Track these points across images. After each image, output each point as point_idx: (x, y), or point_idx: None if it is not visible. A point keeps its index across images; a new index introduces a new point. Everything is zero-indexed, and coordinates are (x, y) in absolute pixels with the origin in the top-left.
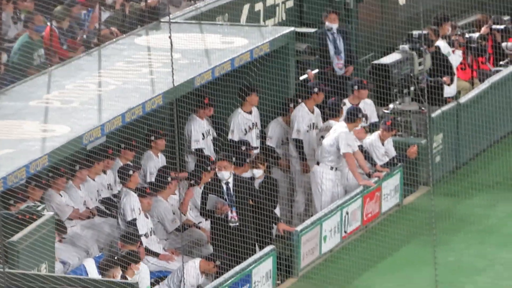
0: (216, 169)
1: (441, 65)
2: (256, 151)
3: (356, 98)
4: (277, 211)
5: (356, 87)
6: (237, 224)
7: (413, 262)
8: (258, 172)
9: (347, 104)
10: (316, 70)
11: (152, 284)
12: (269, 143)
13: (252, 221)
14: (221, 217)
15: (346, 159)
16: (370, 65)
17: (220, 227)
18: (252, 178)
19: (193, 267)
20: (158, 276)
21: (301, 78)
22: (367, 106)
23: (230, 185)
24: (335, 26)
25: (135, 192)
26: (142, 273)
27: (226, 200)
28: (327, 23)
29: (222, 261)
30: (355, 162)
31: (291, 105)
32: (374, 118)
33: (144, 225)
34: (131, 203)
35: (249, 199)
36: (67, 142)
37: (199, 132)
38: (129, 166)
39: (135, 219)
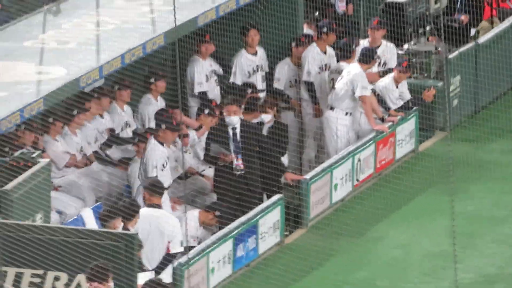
0: (224, 114)
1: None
2: (262, 94)
3: (374, 41)
4: (285, 158)
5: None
6: (243, 172)
7: (429, 212)
8: (267, 117)
9: (364, 44)
10: (316, 13)
11: None
12: (276, 85)
13: (259, 169)
14: (226, 165)
15: (362, 102)
16: (383, 3)
17: (225, 174)
18: (261, 123)
19: (192, 219)
20: None
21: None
22: (388, 49)
23: (237, 131)
24: None
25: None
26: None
27: (232, 146)
28: None
29: (223, 212)
30: (370, 105)
31: (293, 44)
32: (393, 63)
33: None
34: (154, 159)
35: (256, 145)
36: (64, 84)
37: (202, 73)
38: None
39: (156, 177)
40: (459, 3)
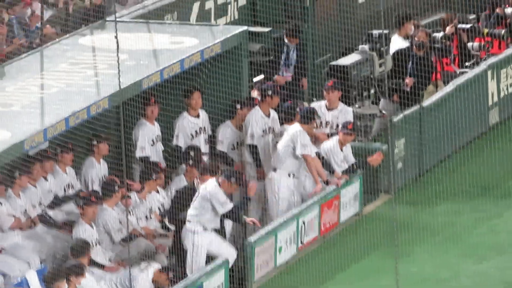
0: (197, 182)
1: (426, 71)
2: (206, 157)
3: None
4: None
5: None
6: None
7: (373, 274)
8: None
9: (321, 106)
10: (262, 76)
11: None
12: (220, 147)
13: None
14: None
15: (305, 160)
16: (328, 66)
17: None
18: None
19: (144, 279)
20: None
21: (254, 80)
22: (343, 113)
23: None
24: (293, 46)
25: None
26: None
27: None
28: (286, 41)
29: (175, 274)
30: (313, 163)
31: (238, 106)
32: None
33: (89, 235)
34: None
35: None
36: (8, 147)
37: (147, 138)
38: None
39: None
40: (409, 67)
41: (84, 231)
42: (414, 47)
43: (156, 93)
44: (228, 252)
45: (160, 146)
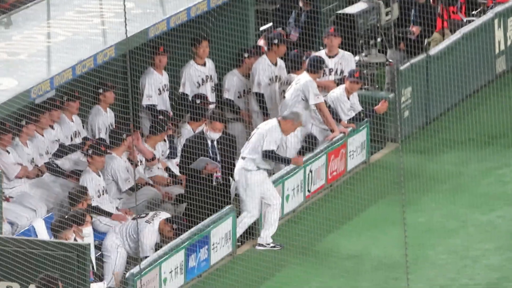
0: (207, 128)
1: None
2: (212, 106)
3: (330, 49)
4: None
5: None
6: (222, 182)
7: (380, 223)
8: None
9: (321, 54)
10: (269, 24)
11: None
12: (226, 95)
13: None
14: (204, 177)
15: (318, 109)
16: (334, 15)
17: (200, 185)
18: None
19: (151, 231)
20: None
21: (261, 28)
22: (344, 58)
23: (215, 143)
24: (305, 10)
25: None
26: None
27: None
28: (301, 5)
29: (179, 227)
30: (327, 110)
31: (246, 55)
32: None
33: (96, 183)
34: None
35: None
36: (14, 96)
37: (154, 86)
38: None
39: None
40: (412, 15)
41: (91, 179)
42: None
43: (163, 42)
44: (275, 196)
45: (167, 95)
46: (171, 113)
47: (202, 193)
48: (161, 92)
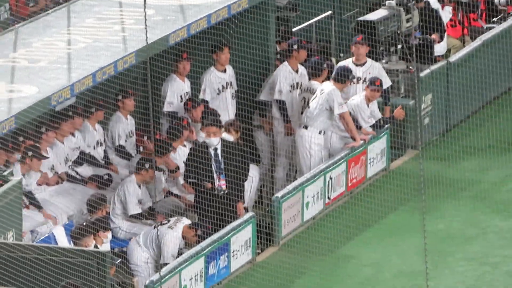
0: (204, 135)
1: (431, 22)
2: (232, 113)
3: (358, 58)
4: (255, 174)
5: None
6: (226, 192)
7: (400, 230)
8: (229, 138)
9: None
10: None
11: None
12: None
13: (240, 188)
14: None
15: (342, 119)
16: (355, 22)
17: (206, 196)
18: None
19: (173, 237)
20: (123, 246)
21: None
22: (372, 68)
23: (219, 151)
24: None
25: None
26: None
27: (214, 167)
28: None
29: (204, 231)
30: (351, 120)
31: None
32: (385, 83)
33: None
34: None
35: (238, 165)
36: (35, 103)
37: (176, 93)
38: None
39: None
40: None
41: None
42: (414, 1)
43: (183, 49)
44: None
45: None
46: (186, 121)
47: (208, 203)
48: (183, 99)
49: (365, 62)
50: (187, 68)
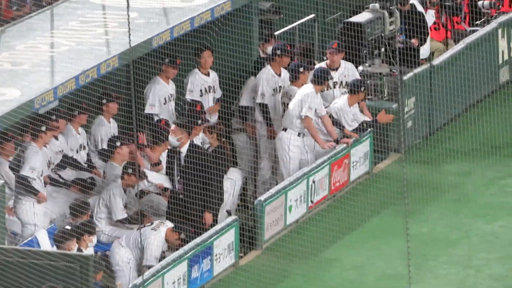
0: (171, 134)
1: (416, 25)
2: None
3: (332, 63)
4: (238, 177)
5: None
6: (181, 195)
7: (383, 233)
8: (206, 141)
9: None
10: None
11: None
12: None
13: (200, 192)
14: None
15: (305, 122)
16: (342, 23)
17: (172, 199)
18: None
19: (157, 239)
20: (105, 250)
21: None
22: (347, 70)
23: (182, 154)
24: None
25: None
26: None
27: (175, 170)
28: None
29: (187, 234)
30: (314, 126)
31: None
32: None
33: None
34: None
35: (199, 169)
36: (18, 106)
37: (159, 95)
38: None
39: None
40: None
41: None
42: (398, 4)
43: (166, 52)
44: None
45: (172, 105)
46: (164, 121)
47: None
48: (167, 101)
49: (339, 66)
50: (173, 73)
